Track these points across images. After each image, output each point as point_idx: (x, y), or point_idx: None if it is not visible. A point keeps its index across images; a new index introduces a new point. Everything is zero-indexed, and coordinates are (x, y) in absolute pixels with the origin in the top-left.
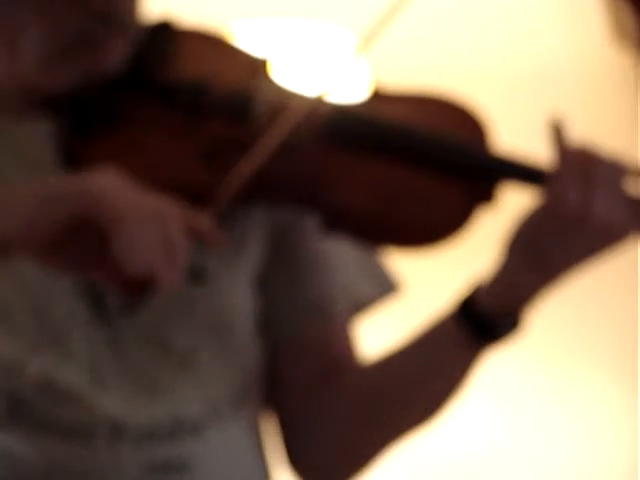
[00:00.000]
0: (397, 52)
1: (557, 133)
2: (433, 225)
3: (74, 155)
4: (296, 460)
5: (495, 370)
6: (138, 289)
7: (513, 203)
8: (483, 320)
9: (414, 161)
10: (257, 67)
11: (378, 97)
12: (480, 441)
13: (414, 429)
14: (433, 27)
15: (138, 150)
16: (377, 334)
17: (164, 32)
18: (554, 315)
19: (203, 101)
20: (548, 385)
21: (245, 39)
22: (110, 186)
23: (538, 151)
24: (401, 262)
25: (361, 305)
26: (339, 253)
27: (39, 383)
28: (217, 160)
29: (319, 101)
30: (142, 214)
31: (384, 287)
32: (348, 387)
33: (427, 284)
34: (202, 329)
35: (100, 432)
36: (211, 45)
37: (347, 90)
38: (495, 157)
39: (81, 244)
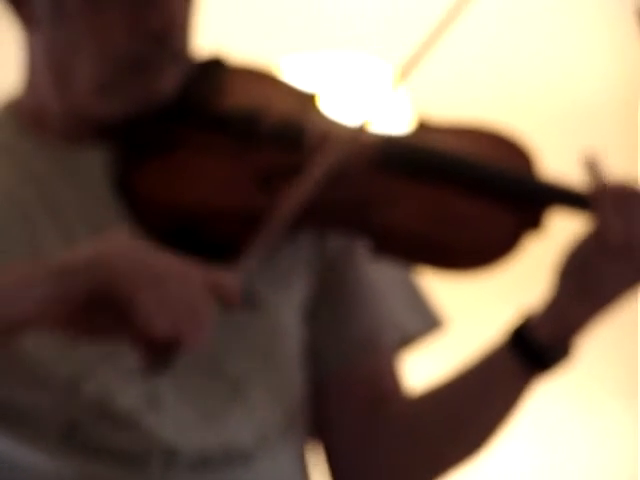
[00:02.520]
0: (442, 86)
1: (592, 169)
2: (480, 249)
3: (128, 182)
4: None
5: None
6: (164, 350)
7: (562, 232)
8: (536, 350)
9: (462, 187)
10: (305, 100)
11: (424, 128)
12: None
13: (461, 462)
14: (478, 61)
15: (191, 177)
16: (422, 367)
17: (216, 67)
18: None
19: (255, 130)
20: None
21: (292, 73)
22: (123, 253)
23: (581, 179)
24: (448, 292)
25: (408, 340)
26: (387, 285)
27: (96, 404)
28: (269, 186)
29: (365, 130)
30: (158, 279)
31: (430, 322)
32: (395, 419)
33: (474, 313)
34: (252, 355)
35: (154, 459)
36: (260, 80)
37: (391, 121)
38: (541, 183)
39: (102, 315)
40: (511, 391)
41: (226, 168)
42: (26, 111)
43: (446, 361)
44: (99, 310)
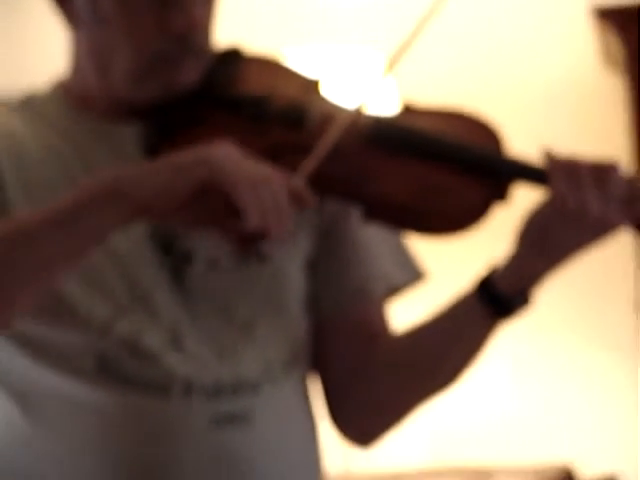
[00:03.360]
0: (425, 75)
1: (549, 153)
2: (457, 216)
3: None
4: (337, 416)
5: (514, 341)
6: (253, 240)
7: (525, 199)
8: (498, 298)
9: (441, 162)
10: (309, 85)
11: (408, 111)
12: (496, 404)
13: (439, 391)
14: (456, 57)
15: None
16: (406, 312)
17: (233, 56)
18: (563, 294)
19: (265, 111)
20: (556, 354)
21: (298, 62)
22: (228, 155)
23: (540, 157)
24: (428, 250)
25: (394, 289)
26: (377, 244)
27: (125, 343)
28: (276, 158)
29: (361, 112)
30: (257, 179)
31: (413, 275)
32: (384, 355)
33: (450, 268)
34: (261, 302)
35: (175, 389)
36: (270, 68)
37: (381, 104)
38: (507, 160)
39: (206, 205)
40: (478, 332)
41: (240, 143)
42: (72, 92)
43: (426, 307)
44: (205, 200)
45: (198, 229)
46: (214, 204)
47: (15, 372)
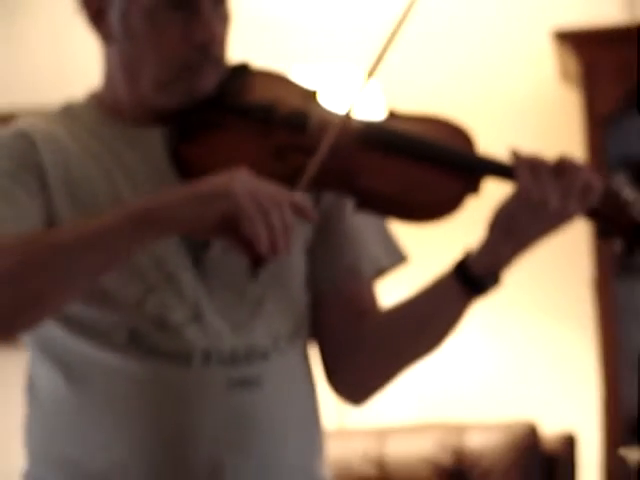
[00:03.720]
0: (410, 89)
1: (515, 153)
2: (436, 207)
3: (180, 153)
4: (333, 379)
5: (487, 315)
6: (263, 261)
7: (495, 192)
8: (472, 278)
9: (422, 160)
10: (309, 95)
11: (393, 116)
12: (471, 369)
13: (419, 358)
14: (436, 73)
15: (226, 149)
16: (392, 291)
17: (243, 69)
18: (529, 273)
19: (271, 117)
20: (525, 326)
21: (299, 77)
22: (244, 185)
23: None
24: (410, 235)
25: (381, 271)
26: (367, 231)
27: (154, 318)
28: (281, 157)
29: (352, 117)
30: (267, 207)
31: (398, 258)
32: (371, 327)
33: (429, 252)
34: (268, 281)
35: (195, 358)
36: (276, 80)
37: (370, 111)
38: (478, 158)
39: (225, 230)
40: (454, 308)
41: (250, 144)
42: (105, 101)
43: (408, 286)
44: (222, 227)
45: (221, 242)
46: (232, 230)
47: (58, 344)
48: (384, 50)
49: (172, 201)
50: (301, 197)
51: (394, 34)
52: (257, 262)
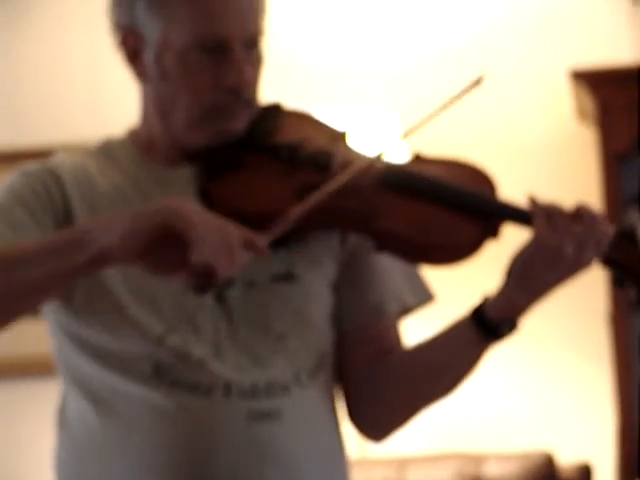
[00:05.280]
0: (433, 131)
1: (533, 200)
2: (454, 250)
3: (207, 191)
4: (354, 415)
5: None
6: (206, 278)
7: (515, 238)
8: (489, 324)
9: (442, 203)
10: (337, 135)
11: (418, 159)
12: (489, 401)
13: (439, 398)
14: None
15: (251, 188)
16: (416, 329)
17: (274, 110)
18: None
19: (297, 156)
20: (542, 358)
21: (330, 118)
22: (185, 205)
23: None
24: (434, 278)
25: (407, 309)
26: (393, 269)
27: (176, 352)
28: (302, 196)
29: (376, 160)
30: (210, 226)
31: (423, 297)
32: (395, 366)
33: (450, 295)
34: (292, 317)
35: (217, 389)
36: (304, 120)
37: (395, 154)
38: (498, 203)
39: (165, 249)
40: (471, 352)
41: (275, 183)
42: (140, 138)
43: (432, 326)
44: (163, 245)
45: (160, 274)
46: (173, 248)
47: (87, 375)
48: (426, 121)
49: (109, 218)
50: (252, 234)
51: (440, 110)
52: (199, 282)
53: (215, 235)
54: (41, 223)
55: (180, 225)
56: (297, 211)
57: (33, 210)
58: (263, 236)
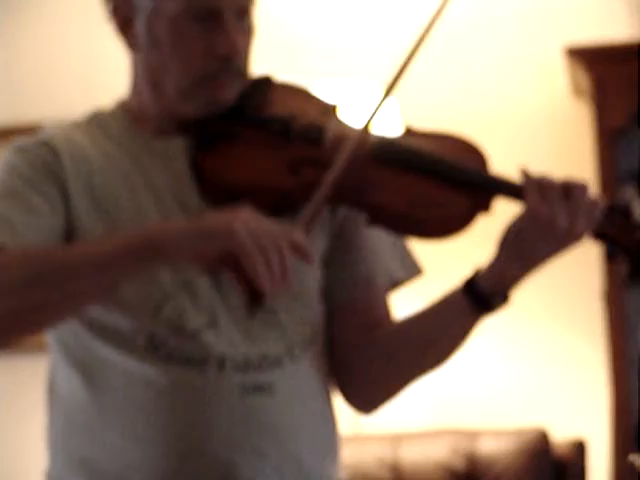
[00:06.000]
0: (426, 106)
1: (525, 171)
2: (445, 224)
3: (199, 163)
4: (344, 387)
5: (500, 324)
6: (258, 298)
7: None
8: (481, 296)
9: (435, 177)
10: (328, 109)
11: (409, 133)
12: (484, 377)
13: (429, 370)
14: (452, 90)
15: (243, 160)
16: (405, 303)
17: (265, 82)
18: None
19: (289, 129)
20: (537, 336)
21: (319, 91)
22: (247, 225)
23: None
24: (423, 252)
25: (396, 283)
26: (382, 244)
27: (171, 324)
28: (296, 170)
29: (368, 133)
30: (266, 246)
31: (412, 271)
32: (384, 338)
33: (440, 269)
34: (282, 293)
35: (210, 363)
36: (295, 93)
37: (386, 127)
38: (490, 177)
39: (226, 265)
40: (462, 324)
41: (267, 156)
42: (132, 109)
43: (422, 299)
44: (224, 262)
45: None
46: (231, 266)
47: (80, 347)
48: (402, 68)
49: (174, 234)
50: (300, 236)
51: (412, 53)
52: (255, 299)
53: (274, 255)
54: (50, 199)
55: (243, 255)
56: (315, 202)
57: (40, 187)
58: (298, 231)
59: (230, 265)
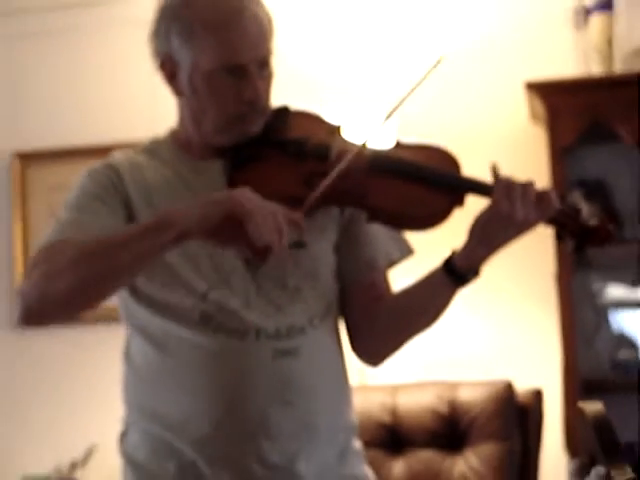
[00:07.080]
0: (418, 122)
1: (495, 170)
2: (429, 218)
3: (234, 179)
4: (356, 346)
5: (475, 299)
6: (261, 254)
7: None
8: (457, 272)
9: (418, 181)
10: (334, 129)
11: (399, 146)
12: (461, 340)
13: (421, 330)
14: (436, 110)
15: (268, 176)
16: (401, 278)
17: (284, 111)
18: (508, 268)
19: (303, 150)
20: (504, 308)
21: (328, 115)
22: (245, 195)
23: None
24: (413, 239)
25: (393, 262)
26: (381, 232)
27: (217, 305)
28: (310, 182)
29: (365, 148)
30: (264, 212)
31: (405, 252)
32: (386, 307)
33: (427, 251)
34: (304, 274)
35: (249, 333)
36: (308, 118)
37: (381, 141)
38: (464, 179)
39: (230, 229)
40: (443, 294)
41: (286, 172)
42: (180, 138)
43: (413, 275)
44: (229, 226)
45: (227, 245)
46: (236, 229)
47: (145, 321)
48: (401, 102)
49: (183, 207)
50: (296, 214)
51: (412, 90)
52: (257, 255)
53: (269, 219)
54: (114, 206)
55: (241, 212)
56: (314, 195)
57: (105, 199)
58: (297, 213)
59: (234, 227)
